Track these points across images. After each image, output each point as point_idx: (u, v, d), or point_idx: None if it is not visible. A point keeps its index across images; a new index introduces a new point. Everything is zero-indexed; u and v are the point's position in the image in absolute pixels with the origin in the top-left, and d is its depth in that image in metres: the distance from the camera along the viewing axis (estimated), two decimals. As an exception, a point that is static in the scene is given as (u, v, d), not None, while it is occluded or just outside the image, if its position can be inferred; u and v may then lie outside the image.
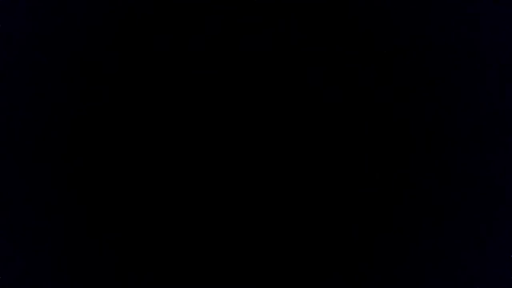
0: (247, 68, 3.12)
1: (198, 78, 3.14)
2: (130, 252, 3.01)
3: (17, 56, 3.06)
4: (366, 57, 3.10)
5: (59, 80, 3.07)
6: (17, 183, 3.00)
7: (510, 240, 2.94)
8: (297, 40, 3.13)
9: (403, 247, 3.00)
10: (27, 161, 3.02)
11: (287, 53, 3.12)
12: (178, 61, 3.13)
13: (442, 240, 2.99)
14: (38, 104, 3.04)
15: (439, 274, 2.95)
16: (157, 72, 3.12)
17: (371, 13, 3.11)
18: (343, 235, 3.03)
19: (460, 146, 3.03)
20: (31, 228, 2.99)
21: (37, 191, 3.00)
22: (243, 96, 3.13)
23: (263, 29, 3.13)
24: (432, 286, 2.95)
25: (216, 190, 3.07)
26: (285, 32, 3.14)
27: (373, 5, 3.10)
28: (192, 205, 3.07)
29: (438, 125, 3.06)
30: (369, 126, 3.08)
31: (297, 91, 3.12)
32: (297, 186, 3.07)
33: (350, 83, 3.11)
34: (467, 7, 3.06)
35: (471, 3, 3.06)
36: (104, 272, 2.97)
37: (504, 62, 3.04)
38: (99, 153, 3.06)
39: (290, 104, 3.12)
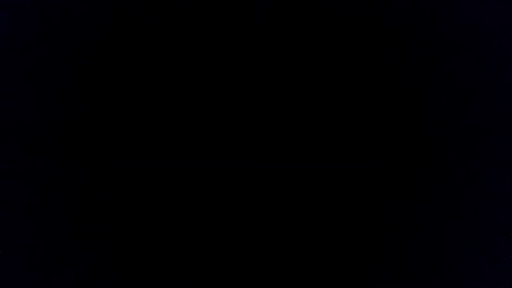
0: (246, 69, 3.12)
1: (197, 80, 3.13)
2: (129, 253, 3.01)
3: (17, 56, 3.05)
4: (364, 59, 3.10)
5: (58, 80, 3.06)
6: (16, 182, 3.00)
7: (510, 240, 2.93)
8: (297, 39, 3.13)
9: (403, 247, 2.99)
10: (26, 161, 3.01)
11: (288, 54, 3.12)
12: (177, 62, 3.12)
13: (442, 240, 2.99)
14: (38, 104, 3.04)
15: (439, 274, 2.95)
16: (156, 73, 3.12)
17: (371, 14, 3.10)
18: (342, 236, 3.02)
19: (460, 146, 3.03)
20: (30, 228, 2.99)
21: (36, 191, 3.00)
22: (242, 99, 3.12)
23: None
24: (432, 286, 2.94)
25: (216, 192, 3.06)
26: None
27: (372, 6, 3.10)
28: (191, 205, 3.06)
29: (438, 125, 3.06)
30: (369, 125, 3.08)
31: (295, 90, 3.12)
32: (298, 186, 3.06)
33: (350, 84, 3.10)
34: (467, 6, 3.06)
35: (471, 3, 3.06)
36: (101, 272, 2.97)
37: (504, 62, 3.03)
38: (100, 153, 3.06)
39: (287, 102, 3.12)
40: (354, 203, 3.03)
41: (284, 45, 3.11)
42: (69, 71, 3.05)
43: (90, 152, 3.03)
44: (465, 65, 3.05)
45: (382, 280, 2.95)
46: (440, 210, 3.00)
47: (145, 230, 3.02)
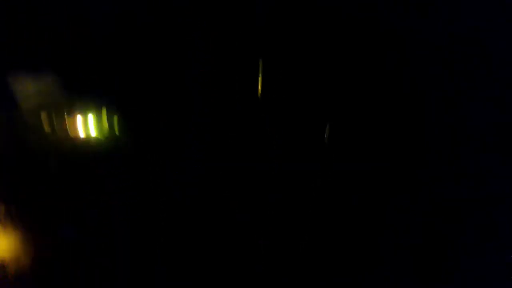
0: (246, 69, 3.12)
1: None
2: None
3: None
4: (364, 59, 3.10)
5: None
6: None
7: (510, 240, 2.94)
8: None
9: (403, 247, 3.00)
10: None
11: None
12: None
13: (442, 240, 2.99)
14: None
15: (440, 274, 2.95)
16: (156, 72, 3.12)
17: (371, 14, 3.10)
18: (342, 236, 3.03)
19: (460, 146, 3.03)
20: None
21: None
22: (242, 98, 3.13)
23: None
24: (432, 286, 2.95)
25: (216, 191, 3.06)
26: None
27: (372, 6, 3.10)
28: (191, 205, 3.06)
29: (438, 125, 3.06)
30: (369, 125, 3.08)
31: (294, 90, 3.13)
32: (298, 186, 3.07)
33: (350, 84, 3.11)
34: (467, 7, 3.06)
35: (471, 4, 3.06)
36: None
37: (505, 62, 3.04)
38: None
39: (286, 102, 3.12)
40: (354, 203, 3.03)
41: (284, 45, 3.11)
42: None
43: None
44: (465, 65, 3.05)
45: (382, 280, 2.95)
46: (440, 210, 3.00)
47: (145, 230, 3.03)
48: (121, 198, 3.05)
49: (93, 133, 3.04)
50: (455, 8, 3.05)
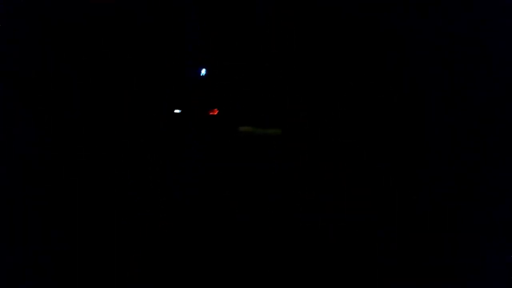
0: (245, 69, 3.12)
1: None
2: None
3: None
4: (364, 59, 3.10)
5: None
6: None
7: (510, 240, 2.94)
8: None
9: (403, 247, 3.00)
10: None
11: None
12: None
13: (442, 240, 2.99)
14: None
15: (440, 274, 2.95)
16: (156, 73, 3.12)
17: (371, 14, 3.10)
18: (342, 236, 3.02)
19: (460, 146, 3.03)
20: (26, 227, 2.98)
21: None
22: (242, 99, 3.12)
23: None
24: (433, 286, 2.95)
25: (215, 191, 3.06)
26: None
27: (372, 6, 3.10)
28: (190, 205, 3.06)
29: (438, 125, 3.06)
30: (369, 125, 3.08)
31: (294, 90, 3.12)
32: (297, 185, 3.07)
33: (350, 84, 3.11)
34: (467, 7, 3.06)
35: (471, 4, 3.06)
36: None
37: (505, 62, 3.04)
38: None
39: (287, 102, 3.12)
40: (353, 202, 3.03)
41: (284, 45, 3.11)
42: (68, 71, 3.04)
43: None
44: (465, 65, 3.05)
45: (382, 280, 2.95)
46: (440, 210, 3.00)
47: (145, 230, 3.02)
48: (120, 198, 3.05)
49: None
50: (455, 8, 3.05)
